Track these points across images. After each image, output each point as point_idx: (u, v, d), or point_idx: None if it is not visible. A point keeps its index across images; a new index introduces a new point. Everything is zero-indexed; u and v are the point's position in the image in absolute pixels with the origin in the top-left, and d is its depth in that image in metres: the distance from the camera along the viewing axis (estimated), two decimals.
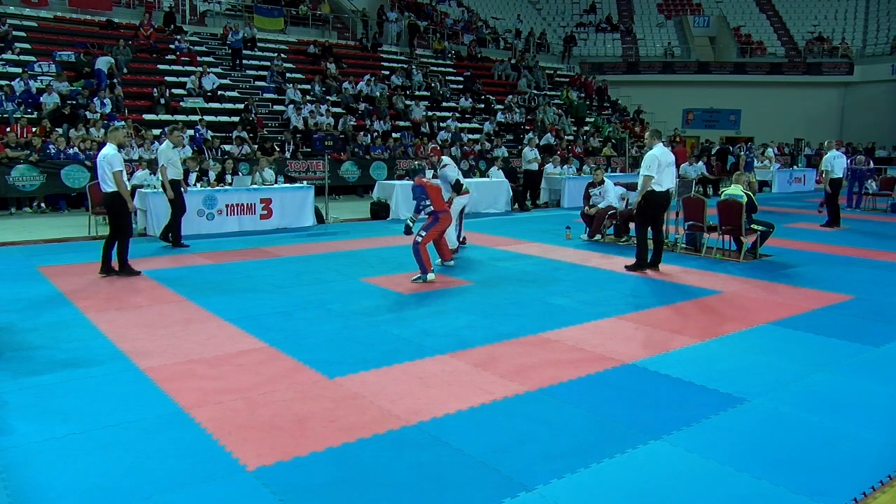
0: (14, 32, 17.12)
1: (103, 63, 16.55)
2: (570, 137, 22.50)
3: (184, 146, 10.33)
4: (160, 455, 3.42)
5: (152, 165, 11.84)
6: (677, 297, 6.98)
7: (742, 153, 21.81)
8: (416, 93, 22.51)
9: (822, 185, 13.34)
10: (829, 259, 9.28)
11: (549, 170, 16.40)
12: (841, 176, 12.61)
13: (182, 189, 9.85)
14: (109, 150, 7.52)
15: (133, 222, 10.85)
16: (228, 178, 12.05)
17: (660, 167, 7.89)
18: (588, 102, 26.94)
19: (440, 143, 19.33)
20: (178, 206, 9.66)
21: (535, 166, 15.66)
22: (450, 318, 6.08)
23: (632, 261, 8.43)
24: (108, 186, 7.48)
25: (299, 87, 19.29)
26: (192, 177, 11.59)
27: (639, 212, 8.27)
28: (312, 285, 7.34)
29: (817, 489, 3.18)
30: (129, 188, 7.80)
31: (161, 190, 9.86)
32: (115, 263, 7.68)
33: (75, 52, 17.08)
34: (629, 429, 3.79)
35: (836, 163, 12.51)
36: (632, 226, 10.63)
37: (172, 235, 9.73)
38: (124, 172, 7.62)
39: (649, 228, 8.28)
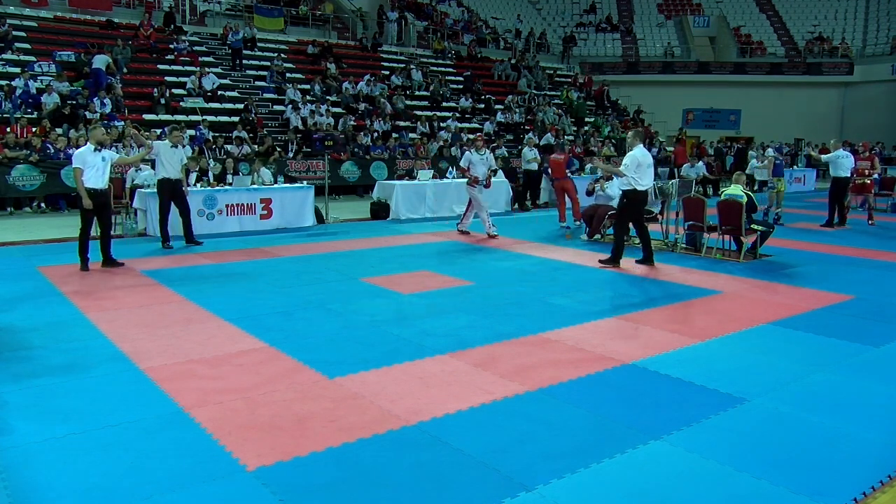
0: (14, 32, 17.12)
1: (100, 62, 16.46)
2: (571, 137, 22.50)
3: (184, 146, 10.31)
4: (160, 455, 3.42)
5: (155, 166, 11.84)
6: (677, 297, 6.98)
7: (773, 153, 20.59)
8: (417, 92, 22.52)
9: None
10: (829, 259, 9.28)
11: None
12: (847, 175, 12.48)
13: (184, 188, 9.88)
14: (83, 147, 7.97)
15: (132, 221, 10.94)
16: (229, 177, 12.05)
17: (639, 167, 8.22)
18: (594, 104, 26.97)
19: (441, 142, 19.35)
20: (167, 207, 9.70)
21: (534, 166, 15.65)
22: (450, 318, 6.08)
23: (631, 258, 8.67)
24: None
25: (299, 87, 19.29)
26: (193, 177, 11.59)
27: (623, 212, 8.59)
28: (312, 285, 7.34)
29: (817, 489, 3.18)
30: (93, 188, 7.88)
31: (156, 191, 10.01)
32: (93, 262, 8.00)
33: (75, 52, 17.08)
34: (629, 429, 3.79)
35: (843, 162, 12.36)
36: (631, 226, 10.69)
37: (184, 234, 9.82)
38: (103, 170, 7.92)
39: (633, 227, 8.78)
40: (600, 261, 8.66)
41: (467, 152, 11.15)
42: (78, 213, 8.03)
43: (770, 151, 21.17)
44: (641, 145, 8.50)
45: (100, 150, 7.89)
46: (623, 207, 8.56)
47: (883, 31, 30.46)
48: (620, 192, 8.67)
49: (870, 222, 13.13)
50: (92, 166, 7.79)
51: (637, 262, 8.64)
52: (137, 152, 11.78)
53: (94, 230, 8.08)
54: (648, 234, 8.61)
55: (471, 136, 19.94)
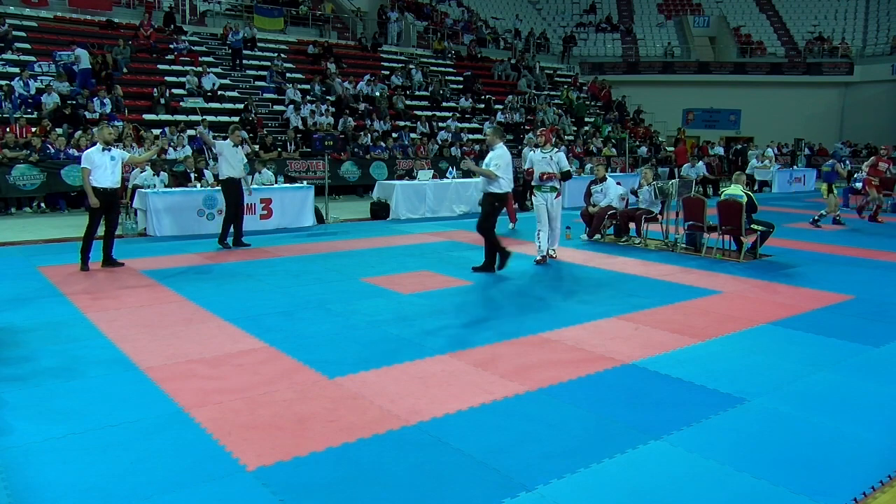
0: (14, 32, 17.11)
1: (84, 59, 16.05)
2: (571, 137, 22.51)
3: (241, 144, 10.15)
4: (160, 455, 3.42)
5: (155, 166, 11.83)
6: (677, 297, 6.98)
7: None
8: (417, 92, 22.52)
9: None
10: (829, 259, 9.28)
11: None
12: None
13: (244, 188, 9.82)
14: (91, 148, 7.98)
15: (133, 221, 10.94)
16: None
17: (507, 167, 7.83)
18: (599, 106, 26.94)
19: (440, 142, 19.35)
20: (236, 205, 9.63)
21: None
22: (450, 318, 6.08)
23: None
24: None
25: (299, 87, 19.29)
26: (192, 176, 11.58)
27: (490, 214, 7.97)
28: (312, 285, 7.34)
29: (817, 489, 3.18)
30: (103, 187, 7.85)
31: (162, 189, 9.92)
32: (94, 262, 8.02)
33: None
34: (629, 429, 3.79)
35: None
36: (632, 226, 10.69)
37: (234, 235, 9.70)
38: (112, 169, 7.89)
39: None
40: (474, 268, 8.06)
41: (526, 150, 9.54)
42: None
43: (769, 151, 21.22)
44: (502, 143, 8.02)
45: (108, 150, 7.90)
46: (489, 210, 7.92)
47: (883, 31, 30.45)
48: (485, 192, 8.01)
49: (878, 219, 13.27)
50: (100, 166, 7.78)
51: (474, 268, 8.04)
52: (138, 152, 11.79)
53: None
54: (496, 240, 8.00)
55: (454, 138, 19.94)
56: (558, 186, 8.58)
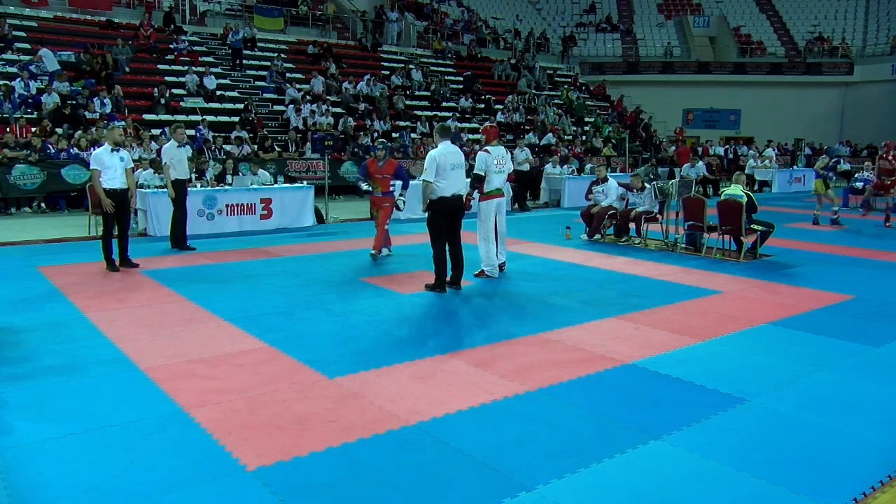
0: (14, 32, 17.12)
1: (49, 59, 16.00)
2: (570, 137, 22.51)
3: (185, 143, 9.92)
4: (160, 455, 3.42)
5: (155, 164, 11.82)
6: (677, 297, 6.98)
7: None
8: (417, 92, 22.52)
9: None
10: (829, 259, 9.28)
11: (548, 170, 16.38)
12: None
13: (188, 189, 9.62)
14: (98, 149, 7.96)
15: (133, 221, 10.93)
16: (228, 178, 12.05)
17: (439, 169, 6.78)
18: (621, 124, 26.88)
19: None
20: (181, 207, 9.47)
21: (526, 167, 15.60)
22: (450, 318, 6.08)
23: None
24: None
25: (299, 87, 19.29)
26: (192, 177, 11.54)
27: (429, 223, 7.13)
28: (312, 285, 7.34)
29: (817, 489, 3.18)
30: (113, 188, 7.80)
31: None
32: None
33: (75, 53, 17.08)
34: (629, 429, 3.79)
35: None
36: (632, 226, 10.68)
37: (178, 237, 9.47)
38: (122, 170, 7.84)
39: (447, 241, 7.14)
40: (427, 285, 7.19)
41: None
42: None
43: (769, 151, 21.25)
44: (448, 142, 7.08)
45: (117, 151, 7.87)
46: (430, 220, 7.05)
47: (883, 31, 30.45)
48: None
49: (886, 224, 12.73)
50: (110, 167, 7.75)
51: (427, 286, 7.16)
52: (137, 151, 11.79)
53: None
54: (444, 257, 7.07)
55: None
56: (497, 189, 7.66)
